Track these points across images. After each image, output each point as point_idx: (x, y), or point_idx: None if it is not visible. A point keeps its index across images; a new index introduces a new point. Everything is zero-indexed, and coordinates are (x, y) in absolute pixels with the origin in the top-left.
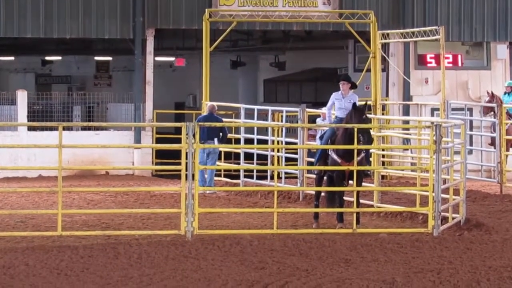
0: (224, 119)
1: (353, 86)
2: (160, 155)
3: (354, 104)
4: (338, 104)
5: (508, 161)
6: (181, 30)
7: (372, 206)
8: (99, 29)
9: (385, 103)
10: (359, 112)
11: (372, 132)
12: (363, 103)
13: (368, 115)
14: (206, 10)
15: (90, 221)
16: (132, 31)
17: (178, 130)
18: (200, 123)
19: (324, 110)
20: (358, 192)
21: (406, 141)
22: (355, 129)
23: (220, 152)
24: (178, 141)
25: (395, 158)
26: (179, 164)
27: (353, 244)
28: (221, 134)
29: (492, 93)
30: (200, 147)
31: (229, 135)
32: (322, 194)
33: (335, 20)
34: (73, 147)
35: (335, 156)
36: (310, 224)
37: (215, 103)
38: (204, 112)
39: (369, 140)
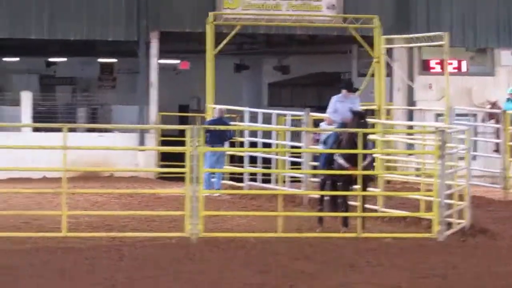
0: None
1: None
2: (165, 157)
3: (353, 110)
4: (341, 106)
5: None
6: (186, 33)
7: (376, 211)
8: (103, 31)
9: (389, 108)
10: (358, 117)
11: (370, 137)
12: (363, 109)
13: (367, 120)
14: (210, 13)
15: (94, 222)
16: (137, 34)
17: (182, 133)
18: (206, 127)
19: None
20: (363, 196)
21: (411, 146)
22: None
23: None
24: (183, 143)
25: (400, 163)
26: (184, 167)
27: (357, 248)
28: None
29: (492, 102)
30: (204, 150)
31: (233, 139)
32: (326, 198)
33: (339, 25)
34: (77, 148)
35: (341, 161)
36: (314, 228)
37: (223, 107)
38: (210, 115)
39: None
